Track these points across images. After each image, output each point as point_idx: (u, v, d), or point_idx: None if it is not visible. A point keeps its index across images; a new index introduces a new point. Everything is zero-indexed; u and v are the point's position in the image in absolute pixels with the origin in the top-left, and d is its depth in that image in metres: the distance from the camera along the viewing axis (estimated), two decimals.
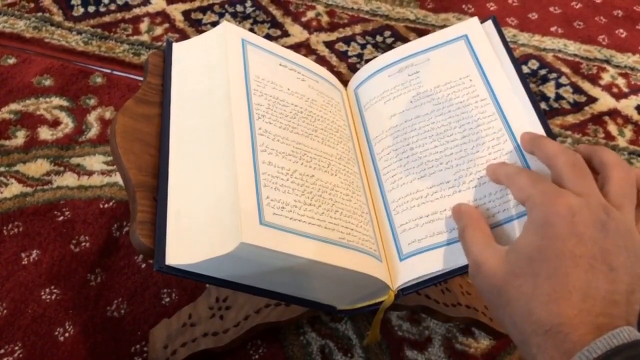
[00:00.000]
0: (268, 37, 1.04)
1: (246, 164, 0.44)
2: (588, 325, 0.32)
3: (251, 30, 1.04)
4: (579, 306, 0.33)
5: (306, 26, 1.07)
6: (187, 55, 0.55)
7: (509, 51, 0.53)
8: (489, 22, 0.56)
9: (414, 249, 0.48)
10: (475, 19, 0.57)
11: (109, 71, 0.96)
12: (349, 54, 1.03)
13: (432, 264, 0.46)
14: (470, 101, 0.52)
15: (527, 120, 0.49)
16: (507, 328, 0.37)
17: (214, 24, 0.89)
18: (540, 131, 0.48)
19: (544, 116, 0.49)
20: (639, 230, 0.38)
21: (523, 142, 0.46)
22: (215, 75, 0.51)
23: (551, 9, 1.14)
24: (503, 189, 0.46)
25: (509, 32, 1.09)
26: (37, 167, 0.81)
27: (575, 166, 0.39)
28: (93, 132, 0.86)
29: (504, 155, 0.48)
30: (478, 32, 0.55)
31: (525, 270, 0.35)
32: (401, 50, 0.58)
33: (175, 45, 0.56)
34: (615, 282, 0.34)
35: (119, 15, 1.05)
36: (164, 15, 1.06)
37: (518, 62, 0.53)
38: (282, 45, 0.58)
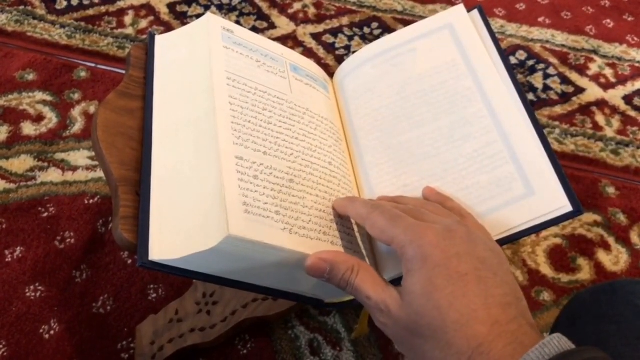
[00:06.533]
0: (254, 29, 1.03)
1: (231, 157, 0.44)
2: (504, 337, 0.33)
3: (237, 22, 1.03)
4: (489, 321, 0.34)
5: (293, 18, 1.06)
6: (169, 48, 0.54)
7: (496, 41, 0.53)
8: (475, 12, 0.55)
9: None
10: (461, 7, 0.56)
11: (93, 65, 0.94)
12: (336, 45, 1.02)
13: None
14: (456, 91, 0.51)
15: (513, 109, 0.48)
16: None
17: (200, 17, 0.88)
18: (526, 120, 0.47)
19: (531, 107, 0.48)
20: None
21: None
22: (199, 68, 0.51)
23: None
24: (492, 177, 0.46)
25: (497, 23, 1.09)
26: (21, 163, 0.80)
27: (419, 200, 0.44)
28: (77, 126, 0.85)
29: (490, 144, 0.48)
30: (463, 20, 0.55)
31: (428, 307, 0.36)
32: (386, 41, 0.57)
33: (157, 38, 0.55)
34: (502, 285, 0.36)
35: (103, 9, 1.04)
36: (148, 8, 1.05)
37: (505, 53, 0.52)
38: (269, 38, 0.57)
